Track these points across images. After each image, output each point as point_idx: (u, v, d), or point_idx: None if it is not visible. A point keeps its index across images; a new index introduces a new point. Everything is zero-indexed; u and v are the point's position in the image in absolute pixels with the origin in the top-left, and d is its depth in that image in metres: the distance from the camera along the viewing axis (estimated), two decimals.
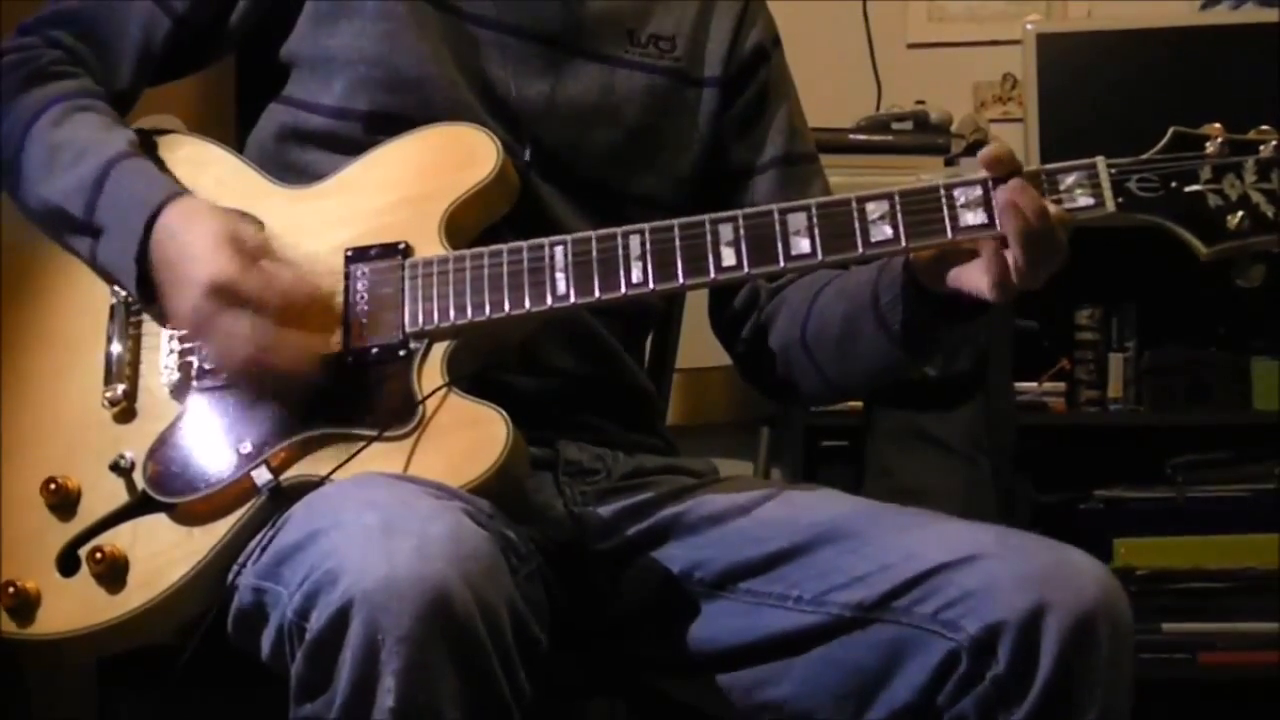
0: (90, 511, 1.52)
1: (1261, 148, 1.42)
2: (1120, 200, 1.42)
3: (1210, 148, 1.43)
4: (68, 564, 1.51)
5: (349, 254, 1.54)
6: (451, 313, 1.49)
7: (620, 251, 1.48)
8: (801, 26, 3.57)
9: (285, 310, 1.45)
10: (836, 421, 3.07)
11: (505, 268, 1.49)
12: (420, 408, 1.45)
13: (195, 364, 1.54)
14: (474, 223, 1.55)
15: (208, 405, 1.52)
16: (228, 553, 1.47)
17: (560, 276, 1.48)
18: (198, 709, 1.74)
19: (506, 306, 1.49)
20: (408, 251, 1.52)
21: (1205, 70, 3.17)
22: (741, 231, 1.46)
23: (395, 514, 1.29)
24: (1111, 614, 1.39)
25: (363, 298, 1.52)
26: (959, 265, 1.45)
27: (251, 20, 1.66)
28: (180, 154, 1.63)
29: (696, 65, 1.74)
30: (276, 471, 1.47)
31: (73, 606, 1.49)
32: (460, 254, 1.51)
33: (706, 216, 1.48)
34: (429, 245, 1.52)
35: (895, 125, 3.32)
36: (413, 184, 1.56)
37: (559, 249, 1.49)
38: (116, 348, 1.57)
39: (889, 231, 1.44)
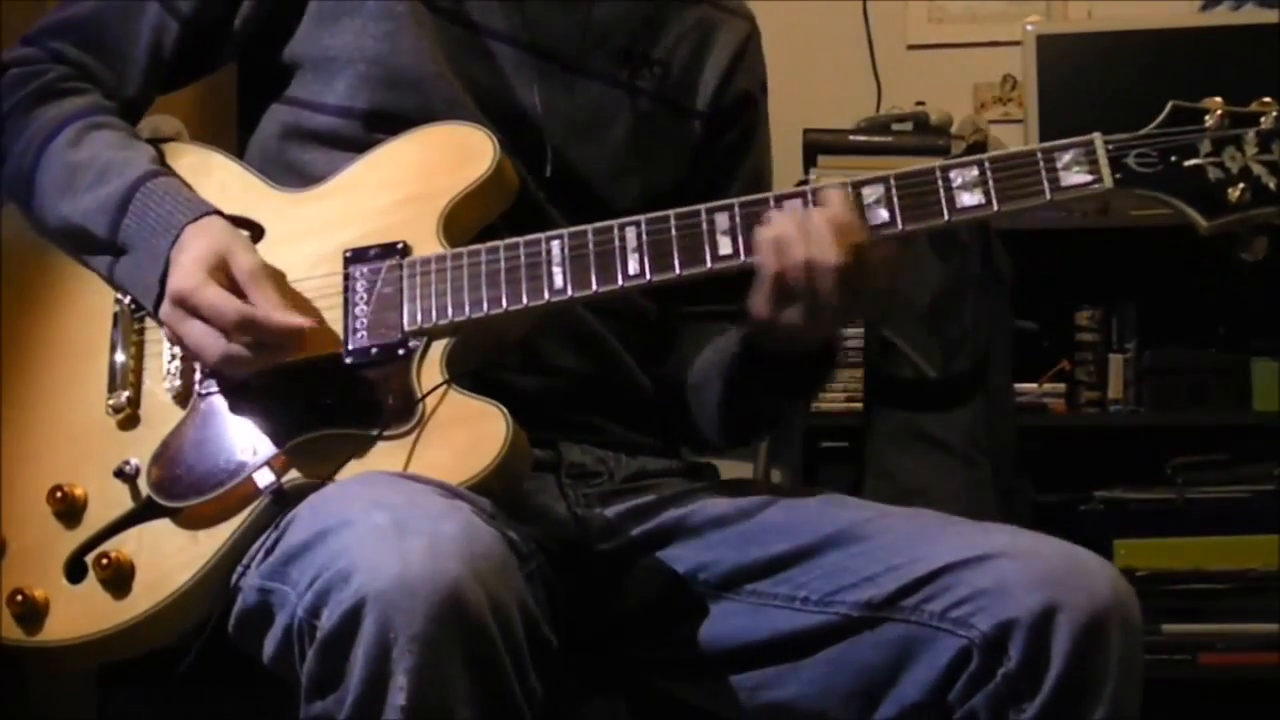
0: (96, 518, 1.52)
1: (1262, 119, 1.41)
2: (1118, 176, 1.42)
3: (1210, 121, 1.42)
4: (74, 571, 1.51)
5: (348, 255, 1.54)
6: (450, 310, 1.49)
7: (616, 244, 1.48)
8: (801, 27, 3.60)
9: (246, 329, 1.45)
10: (836, 422, 3.07)
11: (502, 264, 1.50)
12: (420, 405, 1.45)
13: (198, 370, 1.54)
14: (473, 221, 1.55)
15: (210, 410, 1.52)
16: (232, 556, 1.48)
17: (557, 271, 1.49)
18: (197, 709, 1.74)
19: (504, 302, 1.49)
20: (406, 251, 1.53)
21: (1205, 70, 3.17)
22: (738, 220, 1.47)
23: (406, 513, 1.30)
24: (1123, 614, 1.39)
25: (363, 298, 1.52)
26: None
27: (255, 21, 1.67)
28: (183, 162, 1.64)
29: (687, 94, 1.75)
30: (279, 474, 1.47)
31: (80, 613, 1.50)
32: (458, 251, 1.51)
33: (702, 206, 1.48)
34: (428, 244, 1.52)
35: (895, 126, 3.33)
36: (411, 183, 1.56)
37: (555, 243, 1.49)
38: (120, 355, 1.58)
39: (885, 215, 1.45)
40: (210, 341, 1.46)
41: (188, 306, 1.46)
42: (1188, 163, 1.42)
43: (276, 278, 1.50)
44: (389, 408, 1.46)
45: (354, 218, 1.56)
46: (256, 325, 1.45)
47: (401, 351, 1.49)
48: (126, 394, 1.56)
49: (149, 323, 1.58)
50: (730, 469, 1.79)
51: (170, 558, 1.49)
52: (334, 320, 1.52)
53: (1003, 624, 1.38)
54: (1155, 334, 3.31)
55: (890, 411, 2.96)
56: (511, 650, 1.26)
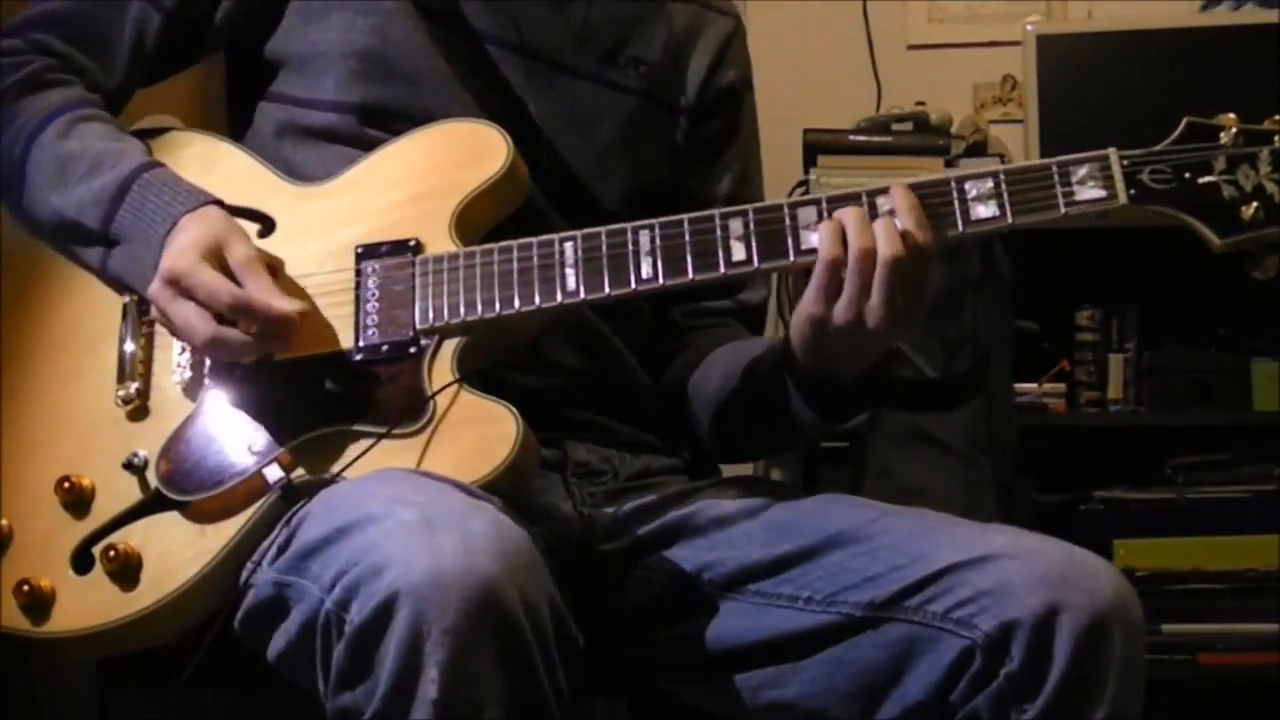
0: (104, 510, 1.52)
1: (1276, 138, 1.41)
2: (1133, 192, 1.42)
3: (1224, 138, 1.42)
4: (81, 562, 1.51)
5: (359, 251, 1.54)
6: (462, 309, 1.49)
7: (630, 247, 1.48)
8: (801, 27, 3.61)
9: (232, 313, 1.45)
10: None
11: (515, 264, 1.49)
12: (431, 404, 1.45)
13: (207, 362, 1.54)
14: (485, 219, 1.55)
15: (220, 403, 1.52)
16: (239, 551, 1.47)
17: (570, 272, 1.49)
18: (198, 709, 1.75)
19: (517, 303, 1.49)
20: (418, 248, 1.52)
21: (1205, 71, 3.17)
22: (751, 226, 1.47)
23: (433, 510, 1.30)
24: (1125, 615, 1.39)
25: (374, 295, 1.52)
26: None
27: (238, 15, 1.67)
28: (190, 151, 1.63)
29: (673, 92, 1.76)
30: (288, 469, 1.47)
31: (87, 605, 1.49)
32: (470, 250, 1.51)
33: (716, 211, 1.48)
34: (440, 242, 1.52)
35: (895, 126, 3.33)
36: (423, 180, 1.56)
37: (569, 245, 1.49)
38: (129, 346, 1.57)
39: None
40: (199, 323, 1.45)
41: (180, 287, 1.46)
42: (1201, 180, 1.41)
43: (273, 269, 1.50)
44: (399, 405, 1.46)
45: (365, 214, 1.56)
46: (252, 309, 1.44)
47: (413, 349, 1.49)
48: (136, 385, 1.55)
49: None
50: (729, 469, 1.79)
51: (177, 551, 1.48)
52: (344, 316, 1.52)
53: (1005, 624, 1.38)
54: (1155, 334, 3.31)
55: (890, 411, 2.95)
56: (542, 648, 1.27)
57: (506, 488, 1.41)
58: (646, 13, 1.77)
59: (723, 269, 1.47)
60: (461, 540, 1.26)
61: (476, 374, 1.48)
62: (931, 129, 3.29)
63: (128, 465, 1.52)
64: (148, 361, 1.56)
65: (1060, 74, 3.28)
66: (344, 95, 1.63)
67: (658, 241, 1.48)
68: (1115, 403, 3.29)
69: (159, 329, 1.57)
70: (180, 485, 1.50)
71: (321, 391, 1.49)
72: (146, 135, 1.65)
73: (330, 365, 1.50)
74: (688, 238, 1.47)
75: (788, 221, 1.46)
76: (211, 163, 1.62)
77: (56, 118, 1.58)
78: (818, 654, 1.49)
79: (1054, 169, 1.43)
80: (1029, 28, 3.35)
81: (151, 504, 1.51)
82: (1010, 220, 1.42)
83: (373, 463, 1.44)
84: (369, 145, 1.60)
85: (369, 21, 1.64)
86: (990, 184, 1.43)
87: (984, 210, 1.43)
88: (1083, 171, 1.42)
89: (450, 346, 1.49)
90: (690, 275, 1.47)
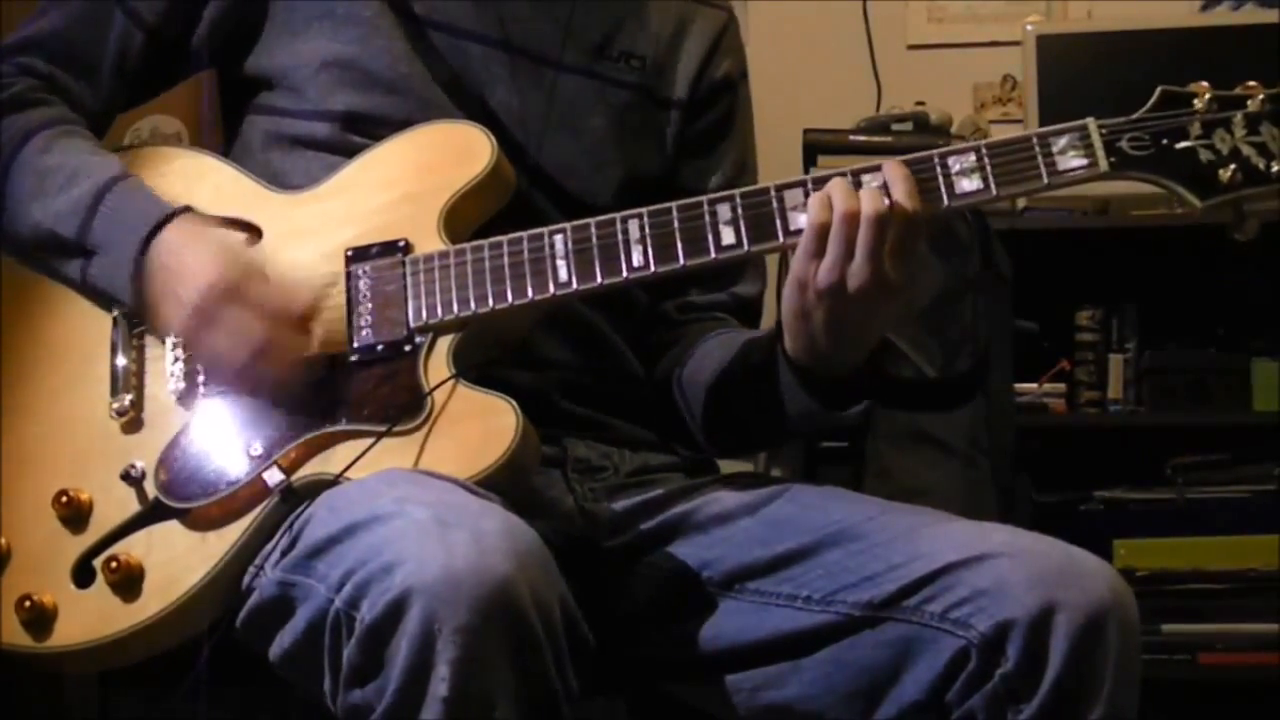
0: (103, 522, 1.51)
1: (1249, 102, 1.44)
2: (1113, 160, 1.44)
3: (1198, 104, 1.44)
4: (82, 575, 1.50)
5: (349, 254, 1.55)
6: (455, 305, 1.50)
7: (620, 236, 1.49)
8: (801, 27, 3.61)
9: (281, 317, 1.48)
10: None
11: (506, 259, 1.50)
12: (429, 400, 1.45)
13: (200, 370, 1.54)
14: (472, 217, 1.55)
15: (215, 410, 1.52)
16: (243, 556, 1.47)
17: (562, 264, 1.49)
18: (198, 709, 1.75)
19: (510, 297, 1.49)
20: (408, 248, 1.53)
21: (1205, 71, 3.15)
22: (740, 210, 1.48)
23: (444, 509, 1.31)
24: (1121, 615, 1.39)
25: (366, 296, 1.53)
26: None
27: (219, 32, 1.67)
28: (175, 166, 1.64)
29: (664, 85, 1.76)
30: (288, 472, 1.47)
31: (90, 617, 1.49)
32: (460, 247, 1.52)
33: (704, 197, 1.49)
34: (429, 241, 1.53)
35: (895, 126, 3.33)
36: (410, 182, 1.57)
37: (559, 237, 1.50)
38: (121, 359, 1.57)
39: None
40: (249, 332, 1.47)
41: (234, 296, 1.47)
42: (1179, 145, 1.44)
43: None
44: (397, 403, 1.46)
45: (353, 217, 1.57)
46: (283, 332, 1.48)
47: (408, 348, 1.50)
48: (129, 397, 1.55)
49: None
50: (729, 467, 1.79)
51: (180, 559, 1.48)
52: (338, 319, 1.52)
53: (1001, 624, 1.38)
54: (1155, 334, 3.32)
55: (890, 411, 2.95)
56: (553, 646, 1.27)
57: (507, 481, 1.41)
58: (637, 7, 1.77)
59: (713, 254, 1.48)
60: (474, 539, 1.27)
61: (473, 369, 1.48)
62: (931, 129, 3.29)
63: (125, 477, 1.51)
64: (140, 373, 1.56)
65: (1060, 74, 3.28)
66: (327, 104, 1.63)
67: (647, 230, 1.49)
68: (1115, 403, 3.30)
69: (150, 340, 1.57)
70: (180, 493, 1.50)
71: (318, 393, 1.49)
72: (135, 153, 1.66)
73: (326, 367, 1.50)
74: (677, 225, 1.48)
75: (775, 204, 1.47)
76: (197, 176, 1.63)
77: (37, 134, 1.60)
78: (816, 654, 1.49)
79: (1034, 140, 1.45)
80: (1029, 28, 3.35)
81: (151, 514, 1.50)
82: (995, 192, 1.45)
83: (373, 461, 1.44)
84: (353, 152, 1.61)
85: (350, 31, 1.64)
86: (973, 158, 1.45)
87: (968, 184, 1.45)
88: (1063, 141, 1.44)
89: (445, 343, 1.49)
90: (681, 261, 1.48)
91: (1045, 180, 1.45)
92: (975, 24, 3.62)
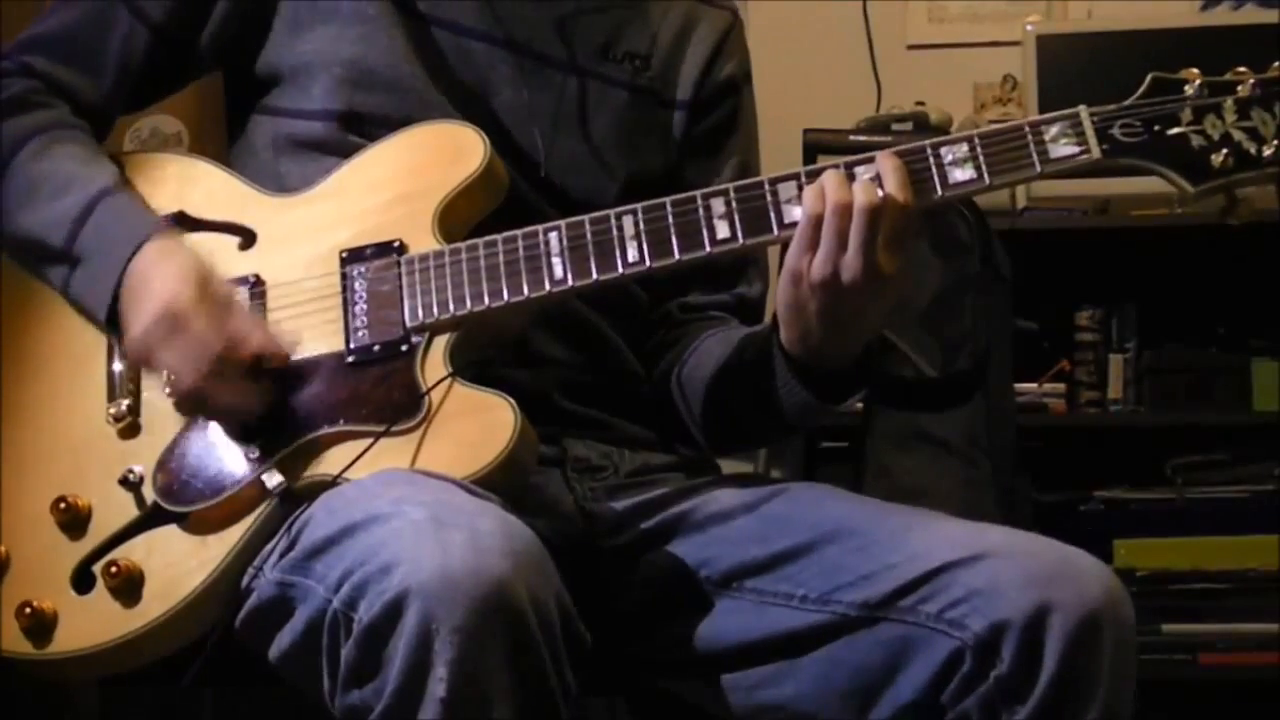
0: (102, 528, 1.51)
1: (1239, 88, 1.44)
2: (1105, 147, 1.44)
3: (1189, 90, 1.45)
4: (82, 581, 1.50)
5: (344, 255, 1.55)
6: (451, 305, 1.50)
7: (615, 233, 1.49)
8: (801, 26, 3.61)
9: (231, 350, 1.47)
10: (836, 422, 3.07)
11: (501, 257, 1.50)
12: (426, 399, 1.45)
13: None
14: (466, 217, 1.55)
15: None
16: (243, 558, 1.48)
17: (557, 261, 1.50)
18: (198, 709, 1.75)
19: (505, 295, 1.50)
20: (402, 248, 1.53)
21: (1205, 70, 3.17)
22: (734, 204, 1.48)
23: (441, 508, 1.31)
24: (1116, 615, 1.39)
25: (361, 297, 1.53)
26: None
27: (227, 31, 1.67)
28: (168, 171, 1.64)
29: (668, 86, 1.76)
30: (287, 474, 1.48)
31: (90, 623, 1.49)
32: (455, 247, 1.52)
33: (698, 192, 1.50)
34: (423, 241, 1.53)
35: (895, 126, 3.32)
36: (403, 182, 1.57)
37: (553, 235, 1.50)
38: (118, 364, 1.57)
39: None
40: (193, 361, 1.47)
41: (177, 324, 1.47)
42: (1171, 131, 1.44)
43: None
44: (394, 403, 1.47)
45: (347, 219, 1.57)
46: (240, 361, 1.47)
47: (404, 348, 1.50)
48: (126, 402, 1.55)
49: None
50: (729, 468, 1.79)
51: (180, 563, 1.48)
52: (334, 320, 1.52)
53: (995, 625, 1.38)
54: (1155, 334, 3.32)
55: (890, 410, 2.95)
56: (550, 646, 1.27)
57: (505, 480, 1.41)
58: (641, 8, 1.77)
59: (708, 248, 1.48)
60: (471, 539, 1.27)
61: (470, 368, 1.48)
62: (931, 129, 3.28)
63: (123, 482, 1.52)
64: (136, 378, 1.56)
65: (1060, 74, 3.28)
66: (329, 104, 1.63)
67: (642, 225, 1.49)
68: (1115, 403, 3.30)
69: None
70: (178, 497, 1.50)
71: (316, 395, 1.50)
72: (128, 159, 1.66)
73: (323, 369, 1.51)
74: (671, 220, 1.49)
75: (769, 197, 1.48)
76: (190, 181, 1.63)
77: (33, 139, 1.60)
78: (813, 653, 1.49)
79: (1026, 129, 1.45)
80: (1029, 28, 3.35)
81: (150, 518, 1.50)
82: (988, 181, 1.45)
83: (371, 462, 1.44)
84: (353, 152, 1.61)
85: (355, 31, 1.64)
86: (965, 148, 1.46)
87: (961, 174, 1.45)
88: (1055, 130, 1.45)
89: (442, 342, 1.49)
90: (676, 256, 1.48)
91: (1038, 168, 1.45)
92: (975, 24, 3.62)
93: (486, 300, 1.49)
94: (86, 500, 1.53)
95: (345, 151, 1.61)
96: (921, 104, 3.35)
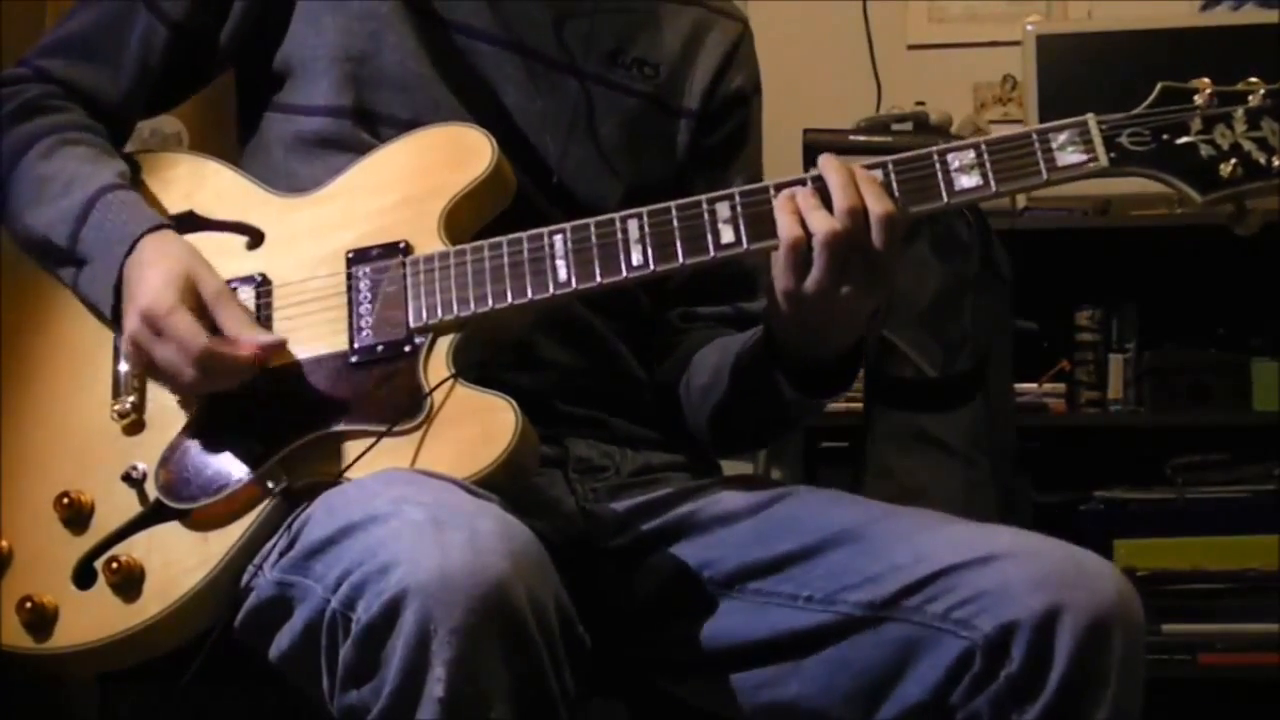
0: (104, 524, 1.52)
1: (1250, 97, 1.44)
2: (1113, 155, 1.44)
3: (1199, 99, 1.45)
4: (83, 577, 1.50)
5: (350, 256, 1.55)
6: (455, 306, 1.50)
7: (619, 236, 1.49)
8: (801, 26, 3.61)
9: (218, 347, 1.47)
10: (836, 422, 3.07)
11: (506, 259, 1.50)
12: (428, 400, 1.45)
13: None
14: (473, 220, 1.56)
15: (217, 411, 1.52)
16: (243, 556, 1.48)
17: (561, 264, 1.50)
18: (198, 709, 1.75)
19: (509, 296, 1.50)
20: (408, 249, 1.53)
21: (1205, 71, 3.16)
22: (739, 209, 1.48)
23: (440, 509, 1.31)
24: (1126, 616, 1.39)
25: (366, 298, 1.53)
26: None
27: (246, 26, 1.67)
28: (178, 171, 1.65)
29: (677, 95, 1.76)
30: (288, 472, 1.48)
31: (91, 618, 1.49)
32: (460, 248, 1.52)
33: (703, 196, 1.50)
34: (429, 243, 1.53)
35: (895, 126, 3.33)
36: (410, 184, 1.57)
37: (558, 238, 1.50)
38: (123, 361, 1.57)
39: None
40: (181, 367, 1.47)
41: (157, 329, 1.47)
42: (1179, 140, 1.44)
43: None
44: (396, 404, 1.47)
45: (354, 219, 1.57)
46: (223, 358, 1.46)
47: (407, 348, 1.50)
48: (131, 399, 1.55)
49: None
50: (730, 468, 1.79)
51: (180, 560, 1.49)
52: (338, 320, 1.53)
53: (1005, 625, 1.38)
54: (1155, 334, 3.32)
55: (890, 411, 2.95)
56: (549, 647, 1.27)
57: (506, 481, 1.41)
58: (651, 15, 1.77)
59: (713, 252, 1.48)
60: (469, 539, 1.27)
61: (472, 370, 1.48)
62: (931, 129, 3.29)
63: (126, 478, 1.52)
64: (141, 375, 1.56)
65: (1060, 74, 3.28)
66: (338, 99, 1.64)
67: (646, 229, 1.49)
68: (1115, 403, 3.30)
69: None
70: (180, 494, 1.50)
71: (318, 394, 1.50)
72: (138, 159, 1.66)
73: (326, 368, 1.51)
74: (676, 224, 1.49)
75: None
76: (200, 180, 1.63)
77: (42, 139, 1.61)
78: (817, 653, 1.49)
79: (1034, 136, 1.45)
80: (1029, 28, 3.35)
81: (152, 515, 1.51)
82: (994, 188, 1.45)
83: (372, 462, 1.45)
84: (363, 150, 1.61)
85: (365, 27, 1.65)
86: (972, 154, 1.46)
87: (967, 180, 1.45)
88: (1062, 137, 1.45)
89: (445, 343, 1.49)
90: (681, 260, 1.48)
91: (1045, 176, 1.45)
92: (975, 24, 3.62)
93: (490, 302, 1.50)
94: (89, 496, 1.53)
95: (354, 147, 1.61)
96: (922, 104, 3.35)
